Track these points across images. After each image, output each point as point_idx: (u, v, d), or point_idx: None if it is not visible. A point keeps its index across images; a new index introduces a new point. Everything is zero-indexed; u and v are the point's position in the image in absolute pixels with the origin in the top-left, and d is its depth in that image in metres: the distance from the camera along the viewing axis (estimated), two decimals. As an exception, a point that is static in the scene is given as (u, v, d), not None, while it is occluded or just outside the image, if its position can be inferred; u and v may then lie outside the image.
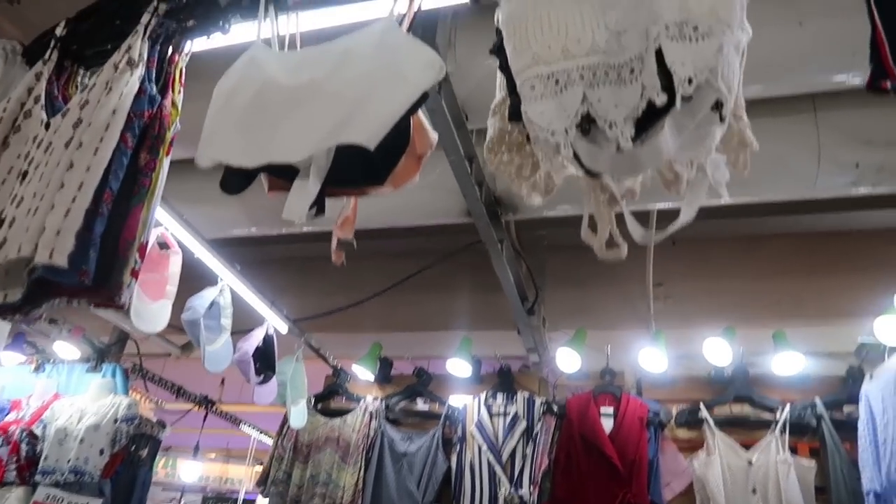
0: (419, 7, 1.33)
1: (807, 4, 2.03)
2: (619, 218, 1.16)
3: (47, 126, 1.43)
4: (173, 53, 1.49)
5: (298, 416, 3.50)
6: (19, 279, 1.25)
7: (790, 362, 3.26)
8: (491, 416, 3.54)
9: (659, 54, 0.92)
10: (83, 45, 1.65)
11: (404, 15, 1.29)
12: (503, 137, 1.19)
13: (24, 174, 1.37)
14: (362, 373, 3.85)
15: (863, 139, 2.50)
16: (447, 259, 3.81)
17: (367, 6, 1.53)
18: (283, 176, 1.22)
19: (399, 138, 1.16)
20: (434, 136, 1.28)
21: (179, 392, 4.80)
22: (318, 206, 1.16)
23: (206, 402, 5.21)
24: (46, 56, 1.59)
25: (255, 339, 3.20)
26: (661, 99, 0.88)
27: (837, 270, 3.74)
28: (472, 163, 2.77)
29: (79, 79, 1.65)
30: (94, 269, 1.21)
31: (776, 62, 2.12)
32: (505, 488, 3.28)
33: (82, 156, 1.26)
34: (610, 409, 3.42)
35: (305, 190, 1.13)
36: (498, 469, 3.35)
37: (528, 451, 3.35)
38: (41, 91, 1.52)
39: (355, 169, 1.18)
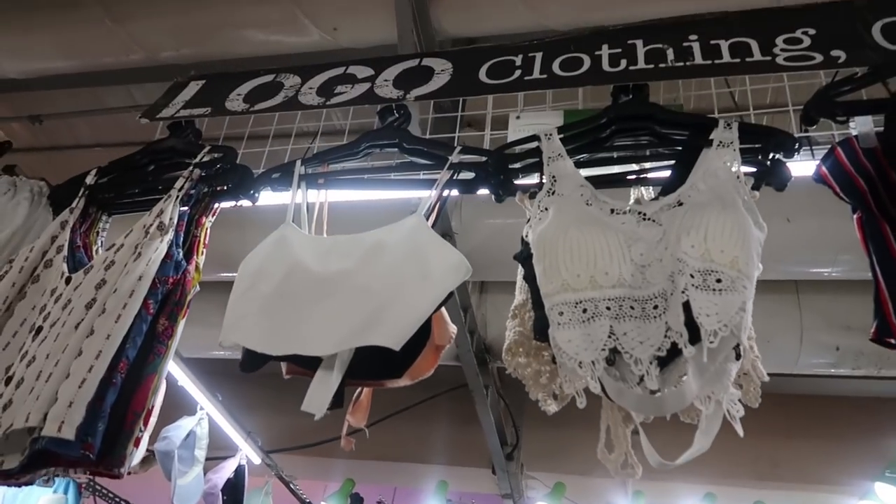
0: (446, 199, 1.41)
1: (795, 204, 2.18)
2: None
3: (67, 280, 1.44)
4: (200, 216, 1.53)
5: (261, 554, 3.32)
6: (19, 446, 1.22)
7: (771, 534, 3.22)
8: (462, 568, 3.39)
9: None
10: (111, 194, 1.70)
11: (431, 204, 1.36)
12: (522, 342, 1.22)
13: (38, 330, 1.36)
14: (331, 509, 3.69)
15: (843, 325, 2.62)
16: (430, 398, 3.77)
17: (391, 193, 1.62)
18: (301, 362, 1.23)
19: (420, 333, 1.19)
20: (453, 328, 1.32)
21: (132, 511, 4.54)
22: (336, 397, 1.17)
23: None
24: (73, 204, 1.62)
25: (227, 470, 3.09)
26: (688, 351, 0.93)
27: (815, 435, 3.77)
28: (467, 313, 2.82)
29: (100, 225, 1.69)
30: (100, 443, 1.18)
31: (765, 252, 2.26)
32: None
33: (104, 323, 1.26)
34: (587, 570, 3.29)
35: (327, 383, 1.14)
36: None
37: None
38: (65, 241, 1.54)
39: (374, 361, 1.20)
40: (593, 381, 0.97)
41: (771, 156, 1.27)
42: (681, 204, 1.13)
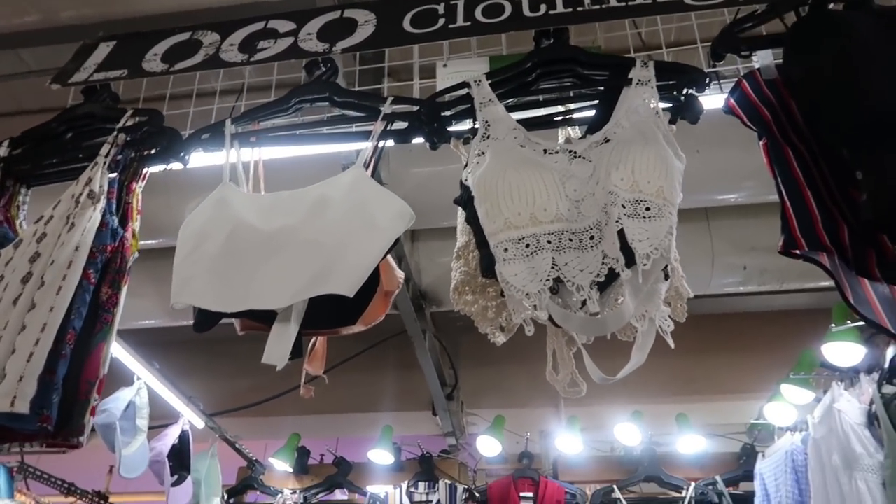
0: (382, 150, 1.43)
1: (703, 136, 2.32)
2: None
3: (-5, 257, 1.39)
4: (130, 182, 1.50)
5: (213, 516, 3.35)
6: (-30, 425, 1.20)
7: (692, 443, 3.52)
8: (413, 504, 3.54)
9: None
10: (28, 165, 1.63)
11: (369, 156, 1.38)
12: (468, 282, 1.29)
13: (-27, 309, 1.32)
14: (279, 464, 3.75)
15: (748, 246, 2.84)
16: (372, 347, 3.84)
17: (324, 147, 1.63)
18: (255, 317, 1.26)
19: (370, 281, 1.24)
20: (401, 274, 1.37)
21: (70, 489, 4.45)
22: (295, 348, 1.21)
23: (99, 498, 4.83)
24: (-9, 178, 1.55)
25: (171, 437, 3.08)
26: (625, 274, 1.02)
27: (726, 349, 4.10)
28: (401, 261, 2.88)
29: (20, 198, 1.63)
30: (56, 414, 1.18)
31: (679, 182, 2.42)
32: (429, 581, 3.26)
33: (44, 295, 1.24)
34: (529, 494, 3.50)
35: (285, 335, 1.18)
36: (421, 560, 3.33)
37: (452, 540, 3.36)
38: (-15, 216, 1.49)
39: (328, 310, 1.24)
40: (541, 310, 1.05)
41: (684, 91, 1.36)
42: (607, 141, 1.21)
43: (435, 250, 3.05)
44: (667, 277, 1.13)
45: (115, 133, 1.50)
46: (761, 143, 1.27)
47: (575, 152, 1.21)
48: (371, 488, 3.66)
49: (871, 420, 2.38)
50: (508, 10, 1.53)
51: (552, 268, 1.07)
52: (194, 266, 1.24)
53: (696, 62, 1.54)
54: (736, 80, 1.33)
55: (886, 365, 2.27)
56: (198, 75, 1.77)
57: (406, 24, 1.58)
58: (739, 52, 1.31)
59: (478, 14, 1.55)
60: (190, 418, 3.25)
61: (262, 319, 1.26)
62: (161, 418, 3.23)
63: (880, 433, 2.34)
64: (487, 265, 1.17)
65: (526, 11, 1.52)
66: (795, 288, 3.08)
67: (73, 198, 1.40)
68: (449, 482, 3.59)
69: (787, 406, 3.05)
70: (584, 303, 1.09)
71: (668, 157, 1.14)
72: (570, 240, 1.11)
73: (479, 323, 1.30)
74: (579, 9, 1.49)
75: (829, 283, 2.92)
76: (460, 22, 1.54)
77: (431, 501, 3.53)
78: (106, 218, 1.39)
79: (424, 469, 3.66)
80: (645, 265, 1.02)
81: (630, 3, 1.47)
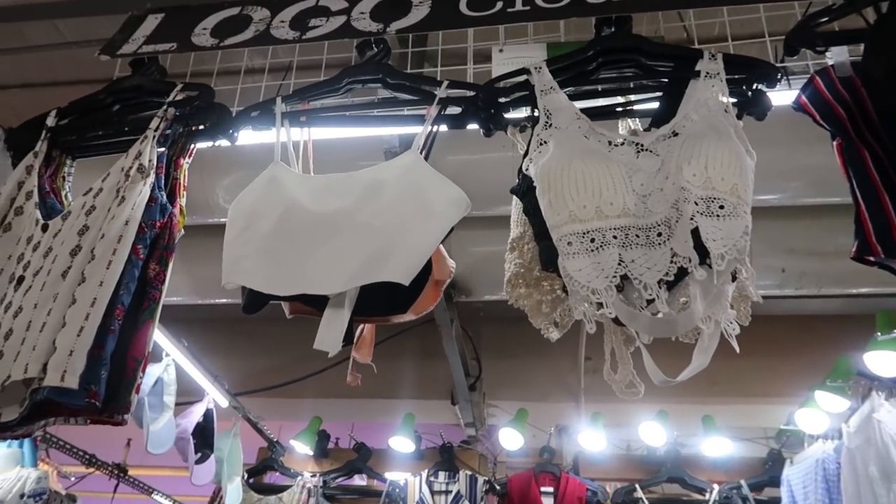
0: (436, 135, 1.40)
1: (746, 134, 2.26)
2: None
3: (44, 228, 1.38)
4: (178, 157, 1.48)
5: (234, 494, 3.36)
6: (16, 397, 1.19)
7: (718, 446, 3.46)
8: (433, 493, 3.52)
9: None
10: (74, 136, 1.62)
11: (423, 141, 1.35)
12: (522, 274, 1.26)
13: (20, 279, 1.31)
14: (300, 447, 3.75)
15: (787, 248, 2.78)
16: (397, 335, 3.82)
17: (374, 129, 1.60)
18: (306, 301, 1.23)
19: (422, 269, 1.21)
20: (452, 263, 1.33)
21: (91, 461, 4.49)
22: (346, 334, 1.18)
23: (119, 471, 4.89)
24: (37, 148, 1.54)
25: (196, 415, 3.09)
26: (700, 274, 0.98)
27: (755, 352, 4.02)
28: (434, 249, 2.84)
29: (65, 169, 1.61)
30: (104, 390, 1.17)
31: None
32: (447, 569, 3.26)
33: (95, 269, 1.22)
34: (550, 489, 3.47)
35: (337, 321, 1.15)
36: (440, 549, 3.32)
37: (471, 531, 3.35)
38: (33, 186, 1.47)
39: (379, 297, 1.22)
40: (607, 308, 1.01)
41: (753, 86, 1.31)
42: (676, 134, 1.17)
43: (466, 239, 3.01)
44: (734, 279, 1.09)
45: (164, 107, 1.48)
46: (835, 142, 1.22)
47: (641, 145, 1.17)
48: (390, 475, 3.66)
49: (912, 432, 2.32)
50: (570, -5, 1.48)
51: (619, 264, 1.03)
52: (246, 245, 1.22)
53: (760, 56, 1.48)
54: (808, 76, 1.28)
55: (932, 376, 2.20)
56: (245, 52, 1.74)
57: (462, 7, 1.54)
58: (815, 47, 1.25)
59: (537, -1, 1.50)
60: (215, 397, 3.25)
61: (313, 303, 1.23)
62: (186, 395, 3.24)
63: (921, 446, 2.28)
64: (548, 258, 1.13)
65: (588, -2, 1.47)
66: (832, 293, 3.01)
67: (123, 171, 1.38)
68: (469, 473, 3.57)
69: (819, 413, 2.99)
70: (649, 301, 1.06)
71: (741, 153, 1.10)
72: (637, 236, 1.07)
73: (532, 317, 1.26)
74: (644, -4, 1.44)
75: (866, 289, 2.85)
76: (519, 6, 1.50)
77: (451, 492, 3.52)
78: (155, 193, 1.37)
79: (445, 459, 3.65)
80: (719, 266, 0.98)
81: (698, -8, 1.42)
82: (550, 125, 1.22)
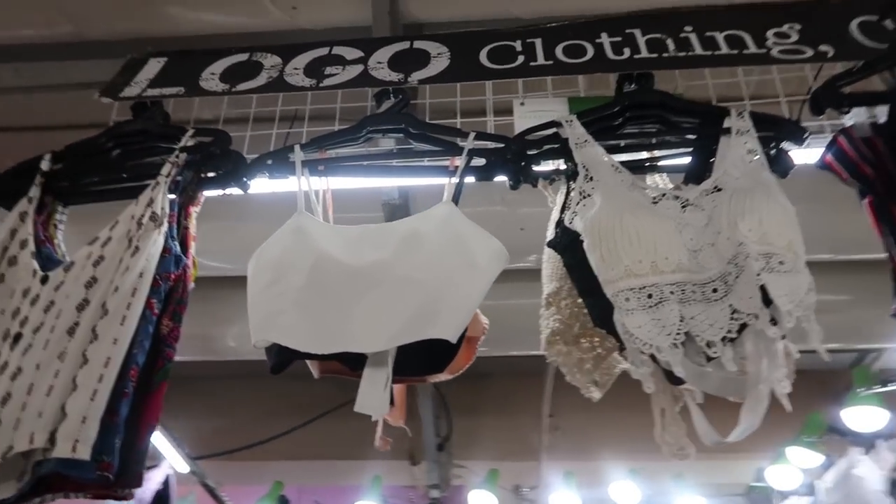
0: (462, 186, 1.37)
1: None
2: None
3: (43, 280, 1.26)
4: (188, 205, 1.40)
5: (190, 568, 3.12)
6: (13, 470, 1.06)
7: (691, 503, 3.46)
8: (404, 561, 3.36)
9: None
10: (67, 182, 1.51)
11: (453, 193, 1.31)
12: (562, 331, 1.22)
13: (17, 337, 1.19)
14: (262, 514, 3.54)
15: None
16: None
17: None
18: (341, 358, 1.16)
19: (460, 326, 1.16)
20: (485, 320, 1.29)
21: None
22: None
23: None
24: (31, 194, 1.43)
25: (154, 482, 2.87)
26: (774, 332, 0.96)
27: (725, 407, 4.07)
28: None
29: (57, 216, 1.50)
30: (118, 462, 1.06)
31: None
32: None
33: (108, 326, 1.12)
34: (525, 552, 3.37)
35: (378, 381, 1.08)
36: None
37: None
38: (28, 234, 1.35)
39: (416, 357, 1.15)
40: (675, 367, 0.98)
41: (774, 144, 1.34)
42: (719, 189, 1.17)
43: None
44: (783, 337, 1.09)
45: (175, 152, 1.40)
46: (866, 200, 1.25)
47: (686, 200, 1.17)
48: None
49: (893, 487, 2.36)
50: (591, 51, 1.50)
51: (680, 321, 1.01)
52: (279, 300, 1.14)
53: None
54: (832, 136, 1.32)
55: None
56: (254, 99, 1.69)
57: (483, 59, 1.54)
58: (841, 107, 1.30)
59: (559, 53, 1.52)
60: (173, 462, 3.04)
61: (347, 362, 1.16)
62: (143, 460, 3.02)
63: (904, 500, 2.32)
64: (599, 315, 1.10)
65: (609, 54, 1.49)
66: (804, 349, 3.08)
67: (134, 219, 1.28)
68: (441, 537, 3.44)
69: (792, 469, 3.03)
70: (708, 359, 1.03)
71: (790, 208, 1.11)
72: (693, 292, 1.05)
73: (571, 376, 1.23)
74: (664, 55, 1.48)
75: (836, 345, 2.90)
76: (541, 60, 1.51)
77: (423, 557, 3.37)
78: (168, 243, 1.28)
79: (415, 522, 3.50)
80: (789, 322, 0.97)
81: (716, 53, 1.46)
82: (591, 178, 1.21)
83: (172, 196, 1.36)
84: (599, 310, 1.09)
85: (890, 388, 2.27)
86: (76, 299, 1.19)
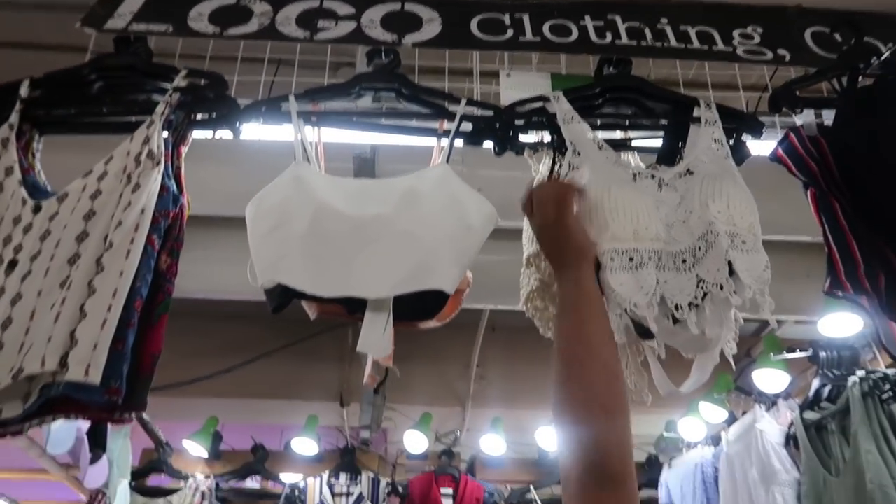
0: (451, 147, 1.45)
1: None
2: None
3: (35, 209, 1.27)
4: (179, 145, 1.41)
5: (122, 497, 3.14)
6: (18, 392, 1.09)
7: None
8: (334, 495, 3.50)
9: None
10: (44, 111, 1.49)
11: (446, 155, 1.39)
12: (541, 289, 1.34)
13: (13, 264, 1.20)
14: (195, 448, 3.58)
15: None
16: (308, 338, 3.77)
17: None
18: (339, 302, 1.24)
19: (449, 278, 1.26)
20: (470, 275, 1.39)
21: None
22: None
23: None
24: (11, 120, 1.40)
25: (91, 413, 2.85)
26: (735, 300, 1.11)
27: (679, 364, 4.38)
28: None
29: (34, 145, 1.48)
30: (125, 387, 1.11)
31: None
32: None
33: (113, 259, 1.15)
34: (450, 490, 3.58)
35: (378, 325, 1.17)
36: (342, 552, 3.32)
37: (373, 532, 3.37)
38: (13, 161, 1.34)
39: (410, 305, 1.25)
40: (652, 324, 1.12)
41: (735, 135, 1.49)
42: (691, 173, 1.30)
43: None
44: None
45: (169, 92, 1.41)
46: (809, 192, 1.42)
47: (662, 179, 1.30)
48: (285, 477, 3.59)
49: (788, 441, 2.67)
50: (576, 33, 1.60)
51: (657, 283, 1.14)
52: (282, 245, 1.21)
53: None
54: (784, 132, 1.48)
55: (811, 394, 2.55)
56: (241, 43, 1.69)
57: (474, 29, 1.60)
58: (795, 108, 1.45)
59: (546, 31, 1.60)
60: (110, 394, 3.03)
61: (344, 306, 1.24)
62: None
63: (795, 453, 2.63)
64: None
65: (593, 37, 1.59)
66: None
67: (131, 156, 1.30)
68: (372, 475, 3.59)
69: (700, 422, 3.34)
70: (675, 321, 1.18)
71: (751, 195, 1.26)
72: (667, 260, 1.19)
73: (544, 330, 1.35)
74: (642, 43, 1.59)
75: (754, 315, 3.12)
76: (529, 36, 1.59)
77: (353, 494, 3.51)
78: (165, 182, 1.30)
79: (346, 461, 3.63)
80: (747, 294, 1.12)
81: (688, 47, 1.59)
82: (578, 153, 1.32)
83: (165, 134, 1.38)
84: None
85: (800, 355, 2.55)
86: (75, 230, 1.21)
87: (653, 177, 1.30)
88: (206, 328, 3.81)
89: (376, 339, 1.16)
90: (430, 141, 1.53)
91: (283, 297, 1.21)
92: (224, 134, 1.48)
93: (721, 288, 1.13)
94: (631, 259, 1.15)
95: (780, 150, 1.46)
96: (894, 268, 1.29)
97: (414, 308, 1.26)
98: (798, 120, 1.50)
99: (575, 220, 1.12)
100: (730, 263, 1.14)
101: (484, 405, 4.50)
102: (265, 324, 3.99)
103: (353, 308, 1.23)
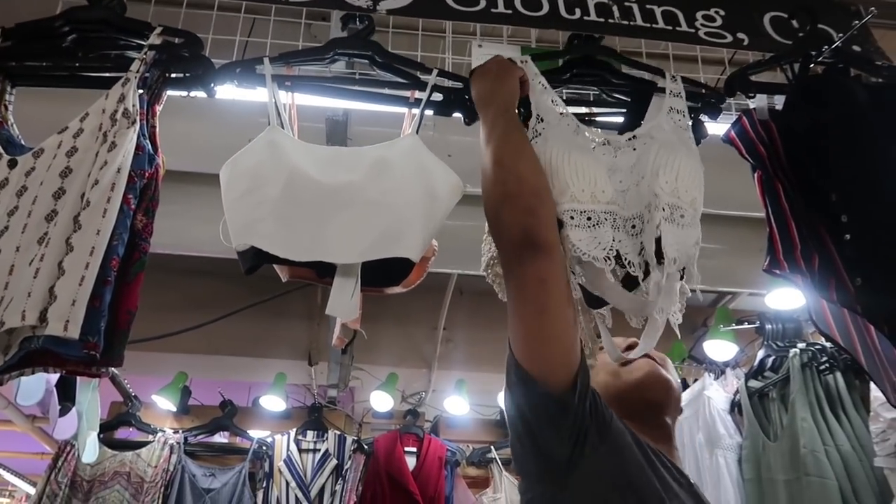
0: (422, 117, 1.49)
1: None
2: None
3: (11, 164, 1.29)
4: (153, 104, 1.44)
5: (91, 450, 3.19)
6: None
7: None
8: (301, 451, 3.60)
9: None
10: (16, 63, 1.50)
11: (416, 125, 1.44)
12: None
13: (-11, 219, 1.23)
14: (163, 402, 3.63)
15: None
16: (278, 296, 3.80)
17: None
18: (309, 266, 1.29)
19: (415, 246, 1.32)
20: (435, 243, 1.45)
21: None
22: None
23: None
24: (-15, 72, 1.41)
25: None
26: (656, 274, 1.19)
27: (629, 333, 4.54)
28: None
29: (7, 97, 1.49)
30: (103, 342, 1.15)
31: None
32: (314, 525, 3.36)
33: (90, 217, 1.18)
34: (413, 449, 3.70)
35: (347, 289, 1.23)
36: (306, 505, 3.42)
37: (338, 487, 3.48)
38: (-13, 115, 1.36)
39: (377, 271, 1.31)
40: (609, 276, 1.20)
41: (694, 114, 1.56)
42: (652, 137, 1.36)
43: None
44: (681, 279, 1.33)
45: (144, 50, 1.43)
46: (756, 174, 1.50)
47: (619, 144, 1.36)
48: (253, 433, 3.68)
49: (733, 407, 2.83)
50: (546, 7, 1.64)
51: (613, 241, 1.21)
52: (257, 208, 1.25)
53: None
54: (738, 115, 1.55)
55: (756, 363, 2.70)
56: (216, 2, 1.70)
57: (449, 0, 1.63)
58: (749, 92, 1.52)
59: (517, 4, 1.64)
60: (78, 347, 3.05)
61: (317, 270, 1.30)
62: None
63: (739, 419, 2.79)
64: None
65: (562, 12, 1.64)
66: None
67: (105, 113, 1.32)
68: (338, 433, 3.69)
69: (653, 388, 3.50)
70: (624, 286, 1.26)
71: (701, 171, 1.33)
72: (621, 223, 1.26)
73: (504, 295, 1.42)
74: (610, 21, 1.64)
75: (707, 287, 3.26)
76: (502, 8, 1.63)
77: (319, 450, 3.61)
78: (140, 141, 1.33)
79: (313, 419, 3.73)
80: (671, 269, 1.20)
81: (654, 26, 1.65)
82: (542, 120, 1.36)
83: (140, 93, 1.40)
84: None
85: (747, 326, 2.69)
86: (52, 187, 1.24)
87: (608, 143, 1.37)
88: (176, 283, 3.82)
89: (345, 302, 1.22)
90: (402, 108, 1.57)
91: (255, 259, 1.25)
92: (198, 93, 1.50)
93: (652, 259, 1.21)
94: (589, 218, 1.21)
95: (733, 133, 1.53)
96: (829, 251, 1.39)
97: (381, 274, 1.32)
98: (752, 104, 1.57)
99: (510, 91, 1.28)
100: (659, 237, 1.21)
101: (449, 367, 4.62)
102: (235, 281, 4.01)
103: (323, 272, 1.29)
